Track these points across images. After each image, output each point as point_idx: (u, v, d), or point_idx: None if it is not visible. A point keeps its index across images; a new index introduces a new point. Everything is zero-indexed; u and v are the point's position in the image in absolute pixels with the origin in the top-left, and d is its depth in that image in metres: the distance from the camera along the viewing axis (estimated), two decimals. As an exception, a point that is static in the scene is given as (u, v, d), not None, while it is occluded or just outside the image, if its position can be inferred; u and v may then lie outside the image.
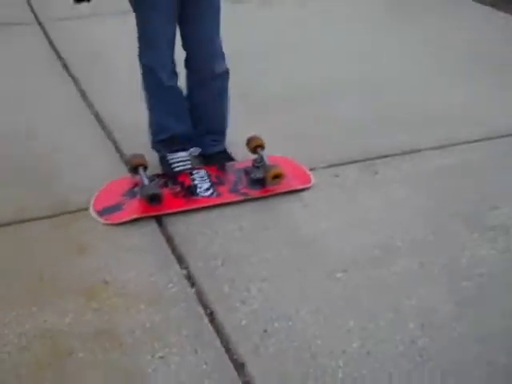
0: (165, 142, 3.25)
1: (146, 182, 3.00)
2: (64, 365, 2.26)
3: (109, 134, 3.62)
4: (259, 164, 3.15)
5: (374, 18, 5.42)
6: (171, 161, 3.25)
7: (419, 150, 3.51)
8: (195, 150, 3.29)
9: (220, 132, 3.35)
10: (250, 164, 3.21)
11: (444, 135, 3.64)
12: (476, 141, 3.60)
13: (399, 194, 3.16)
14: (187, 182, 3.14)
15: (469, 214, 3.01)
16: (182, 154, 3.26)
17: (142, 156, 3.11)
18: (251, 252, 2.77)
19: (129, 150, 3.36)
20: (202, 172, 3.21)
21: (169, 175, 3.20)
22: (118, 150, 3.49)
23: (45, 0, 5.65)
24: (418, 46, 4.86)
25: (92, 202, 3.02)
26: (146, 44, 3.05)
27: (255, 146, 3.19)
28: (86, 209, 3.00)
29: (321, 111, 3.90)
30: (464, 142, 3.58)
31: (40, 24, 5.21)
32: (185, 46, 3.11)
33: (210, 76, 3.15)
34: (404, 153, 3.48)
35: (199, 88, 3.20)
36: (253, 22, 5.20)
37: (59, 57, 4.60)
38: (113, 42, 4.74)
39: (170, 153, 3.27)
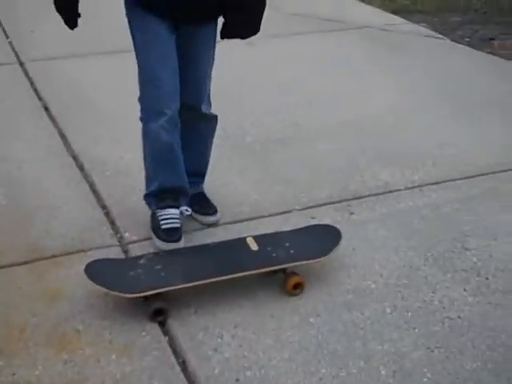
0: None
1: None
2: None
3: (86, 177, 3.62)
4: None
5: (356, 59, 5.46)
6: (160, 218, 3.09)
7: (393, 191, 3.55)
8: (188, 210, 3.16)
9: (201, 174, 3.33)
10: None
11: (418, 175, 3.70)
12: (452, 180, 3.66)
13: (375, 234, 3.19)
14: None
15: (441, 255, 3.03)
16: (173, 212, 3.10)
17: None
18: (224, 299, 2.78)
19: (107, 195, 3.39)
20: None
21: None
22: (95, 194, 3.48)
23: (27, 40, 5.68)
24: (401, 86, 4.90)
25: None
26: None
27: (295, 284, 2.81)
28: (61, 255, 3.00)
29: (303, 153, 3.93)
30: (435, 183, 3.63)
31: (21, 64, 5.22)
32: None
33: (198, 117, 3.10)
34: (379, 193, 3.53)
35: (187, 128, 3.09)
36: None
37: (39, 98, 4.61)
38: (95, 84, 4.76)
39: (159, 209, 3.12)
